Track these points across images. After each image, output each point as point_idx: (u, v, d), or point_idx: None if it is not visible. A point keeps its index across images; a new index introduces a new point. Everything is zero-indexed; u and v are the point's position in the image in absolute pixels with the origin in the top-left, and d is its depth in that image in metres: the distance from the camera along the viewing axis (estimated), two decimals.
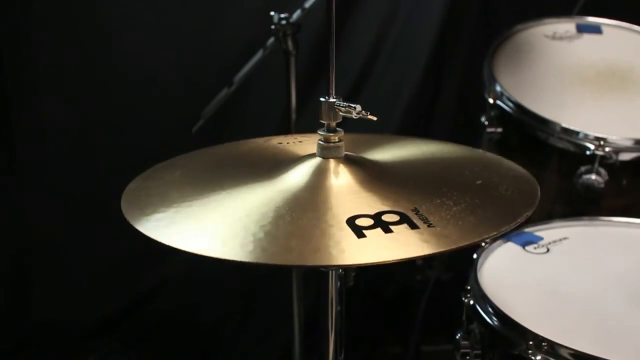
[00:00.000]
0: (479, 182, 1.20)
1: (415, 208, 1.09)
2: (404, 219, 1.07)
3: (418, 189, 1.16)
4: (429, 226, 1.06)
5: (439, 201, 1.12)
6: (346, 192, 1.13)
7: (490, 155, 1.36)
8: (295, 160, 1.21)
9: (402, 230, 1.05)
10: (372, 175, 1.17)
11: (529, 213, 1.13)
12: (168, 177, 1.24)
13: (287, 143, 1.33)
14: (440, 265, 2.37)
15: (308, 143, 1.30)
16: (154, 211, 1.13)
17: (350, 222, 1.06)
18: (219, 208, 1.12)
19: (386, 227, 1.05)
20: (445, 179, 1.22)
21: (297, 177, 1.16)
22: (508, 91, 1.92)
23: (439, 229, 1.06)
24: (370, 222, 1.06)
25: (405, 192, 1.14)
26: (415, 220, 1.07)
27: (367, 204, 1.10)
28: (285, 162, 1.21)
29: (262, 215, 1.08)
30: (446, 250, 1.03)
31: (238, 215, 1.09)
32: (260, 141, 1.37)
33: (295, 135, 1.37)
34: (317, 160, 1.18)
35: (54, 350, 2.36)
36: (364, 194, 1.12)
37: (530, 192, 1.19)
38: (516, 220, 1.10)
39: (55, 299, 2.37)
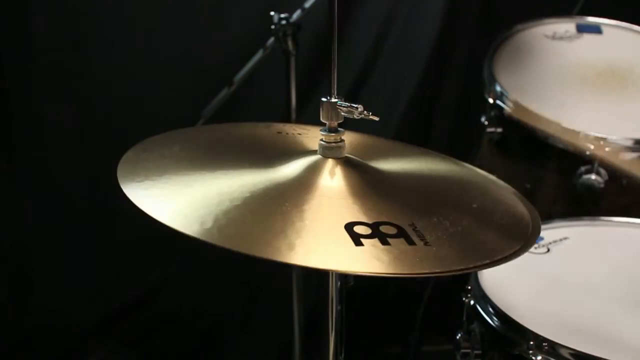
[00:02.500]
0: (474, 205, 1.19)
1: (413, 223, 1.07)
2: (401, 233, 1.05)
3: (415, 204, 1.14)
4: (425, 244, 1.04)
5: (435, 220, 1.09)
6: (344, 195, 1.11)
7: (486, 177, 1.33)
8: (296, 154, 1.20)
9: (399, 244, 1.03)
10: (369, 182, 1.15)
11: (521, 251, 1.11)
12: (166, 151, 1.24)
13: (287, 133, 1.32)
14: None
15: (307, 137, 1.29)
16: (143, 177, 1.14)
17: (349, 228, 1.04)
18: (216, 191, 1.11)
19: (384, 239, 1.03)
20: (443, 197, 1.20)
21: (295, 171, 1.15)
22: (508, 91, 1.92)
23: (434, 248, 1.03)
24: (368, 230, 1.04)
25: (403, 205, 1.12)
26: (412, 237, 1.04)
27: (366, 211, 1.08)
28: (286, 154, 1.20)
29: (260, 207, 1.07)
30: (441, 273, 1.01)
31: (235, 203, 1.08)
32: (260, 126, 1.36)
33: (294, 126, 1.36)
34: (316, 157, 1.17)
35: (54, 350, 2.36)
36: (361, 200, 1.10)
37: (524, 226, 1.17)
38: (509, 254, 1.09)
39: (55, 298, 2.37)
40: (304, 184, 1.13)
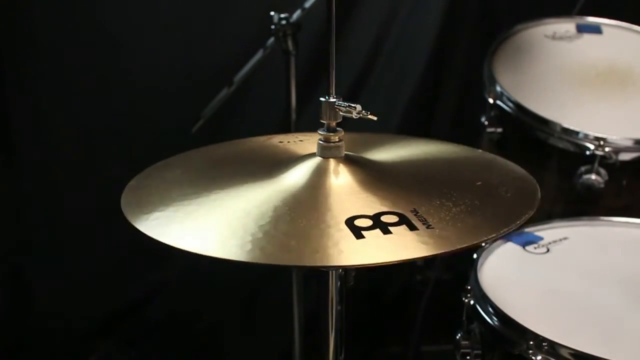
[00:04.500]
0: (478, 183, 1.20)
1: (415, 209, 1.09)
2: (403, 220, 1.06)
3: (418, 190, 1.15)
4: (427, 227, 1.05)
5: (438, 202, 1.11)
6: (346, 192, 1.12)
7: (490, 155, 1.35)
8: (295, 159, 1.21)
9: (401, 231, 1.05)
10: (372, 175, 1.17)
11: (528, 215, 1.12)
12: (168, 175, 1.24)
13: (288, 142, 1.32)
14: (441, 265, 2.37)
15: (309, 142, 1.29)
16: (153, 210, 1.13)
17: (349, 222, 1.06)
18: (218, 207, 1.12)
19: (385, 228, 1.05)
20: (445, 179, 1.21)
21: (296, 176, 1.16)
22: (508, 91, 1.92)
23: (437, 230, 1.05)
24: (369, 222, 1.06)
25: (404, 192, 1.13)
26: (414, 222, 1.06)
27: (367, 204, 1.10)
28: (285, 161, 1.21)
29: (261, 215, 1.08)
30: (444, 253, 1.02)
31: (237, 214, 1.09)
32: (260, 139, 1.36)
33: (295, 134, 1.36)
34: (317, 159, 1.18)
35: (54, 350, 2.36)
36: (363, 194, 1.12)
37: (530, 194, 1.18)
38: (515, 223, 1.10)
39: (55, 299, 2.37)
40: (312, 187, 1.14)
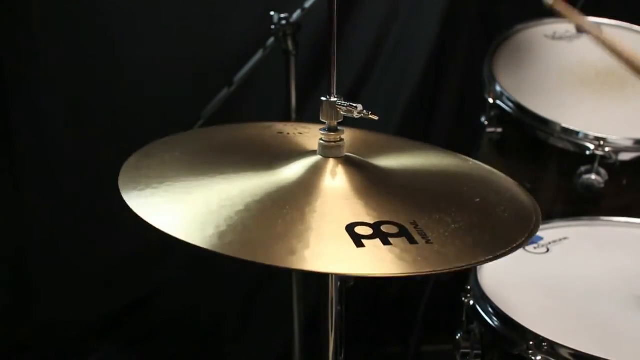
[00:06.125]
0: (477, 200, 1.19)
1: (415, 221, 1.07)
2: (403, 232, 1.04)
3: (417, 201, 1.14)
4: (427, 242, 1.04)
5: (437, 217, 1.09)
6: (340, 196, 1.11)
7: (489, 170, 1.33)
8: (295, 155, 1.20)
9: (400, 243, 1.03)
10: (371, 181, 1.15)
11: (525, 240, 1.10)
12: (167, 155, 1.24)
13: (288, 133, 1.32)
14: None
15: (308, 136, 1.29)
16: (143, 184, 1.13)
17: (350, 229, 1.04)
18: (208, 192, 1.11)
19: (385, 239, 1.03)
20: (444, 193, 1.20)
21: (294, 172, 1.15)
22: (508, 91, 1.92)
23: (437, 246, 1.03)
24: (369, 231, 1.04)
25: (403, 203, 1.12)
26: (414, 235, 1.04)
27: (365, 210, 1.08)
28: (285, 155, 1.20)
29: (258, 209, 1.07)
30: (443, 270, 1.01)
31: (236, 206, 1.08)
32: (260, 126, 1.36)
33: (295, 125, 1.36)
34: (317, 157, 1.17)
35: (54, 350, 2.36)
36: (359, 200, 1.10)
37: (528, 216, 1.17)
38: (512, 246, 1.08)
39: (55, 299, 2.37)
40: (306, 186, 1.12)
